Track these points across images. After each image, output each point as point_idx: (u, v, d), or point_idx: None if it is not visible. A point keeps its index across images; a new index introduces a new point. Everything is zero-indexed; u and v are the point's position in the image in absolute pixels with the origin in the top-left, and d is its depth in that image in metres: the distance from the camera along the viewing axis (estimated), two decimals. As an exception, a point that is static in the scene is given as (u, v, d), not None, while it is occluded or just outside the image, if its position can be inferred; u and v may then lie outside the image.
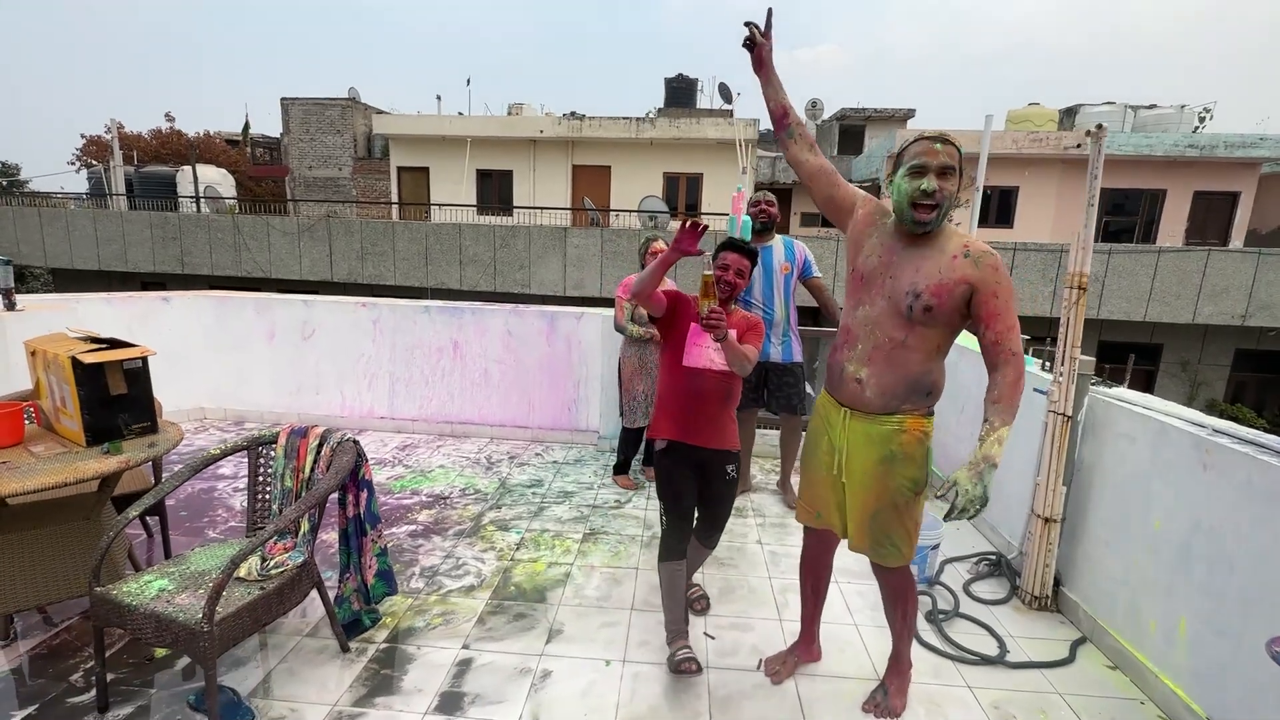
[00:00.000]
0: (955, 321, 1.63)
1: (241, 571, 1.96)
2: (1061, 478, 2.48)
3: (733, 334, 1.99)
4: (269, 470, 2.30)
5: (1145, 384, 11.73)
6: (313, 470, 2.22)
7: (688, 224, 1.83)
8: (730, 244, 2.20)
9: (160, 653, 2.14)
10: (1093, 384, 2.51)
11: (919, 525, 1.80)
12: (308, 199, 18.87)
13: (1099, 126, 2.25)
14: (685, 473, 2.16)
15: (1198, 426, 2.04)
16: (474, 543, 3.01)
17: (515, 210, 14.79)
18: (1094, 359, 2.48)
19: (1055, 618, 2.53)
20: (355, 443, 2.25)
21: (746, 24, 1.81)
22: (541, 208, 13.84)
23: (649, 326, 3.42)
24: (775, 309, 3.29)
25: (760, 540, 3.14)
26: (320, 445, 2.25)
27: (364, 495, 2.30)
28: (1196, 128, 14.31)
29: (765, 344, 3.22)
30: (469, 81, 35.95)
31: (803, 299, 3.61)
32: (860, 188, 1.99)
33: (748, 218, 3.32)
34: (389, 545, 2.95)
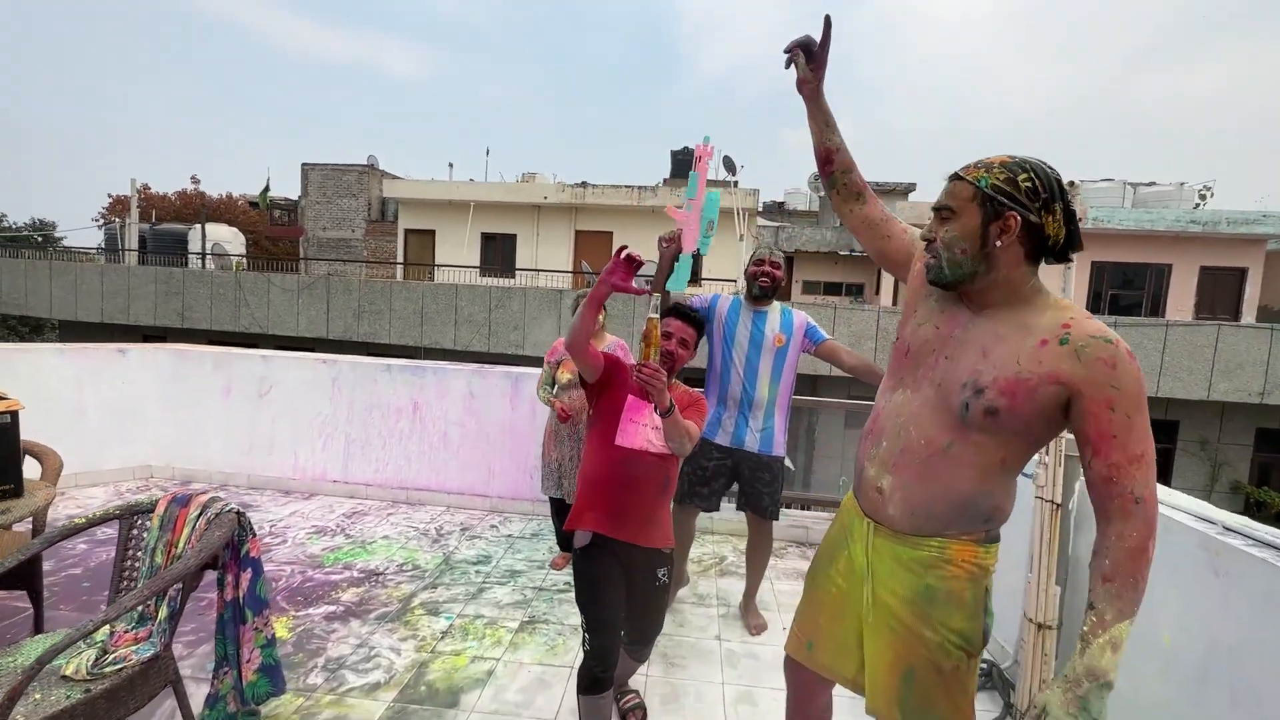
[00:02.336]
0: (1037, 431, 1.15)
1: (69, 669, 1.66)
2: (1054, 576, 2.15)
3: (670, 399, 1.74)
4: (141, 544, 2.03)
5: (1163, 463, 11.19)
6: (186, 545, 1.95)
7: (621, 254, 1.53)
8: (675, 310, 1.98)
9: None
10: (1085, 466, 2.21)
11: (973, 706, 1.28)
12: (319, 258, 19.27)
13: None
14: (610, 575, 1.83)
15: (1205, 523, 1.74)
16: (395, 629, 2.67)
17: (517, 272, 14.92)
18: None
19: (1056, 746, 2.13)
20: (239, 514, 1.98)
21: (788, 49, 1.39)
22: (540, 270, 13.95)
23: (568, 390, 3.16)
24: (758, 387, 2.65)
25: (720, 635, 2.77)
26: (201, 516, 1.99)
27: (247, 576, 2.01)
28: (1197, 205, 14.35)
29: (740, 428, 2.68)
30: (488, 152, 37.38)
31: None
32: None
33: (704, 241, 2.06)
34: (300, 630, 2.63)
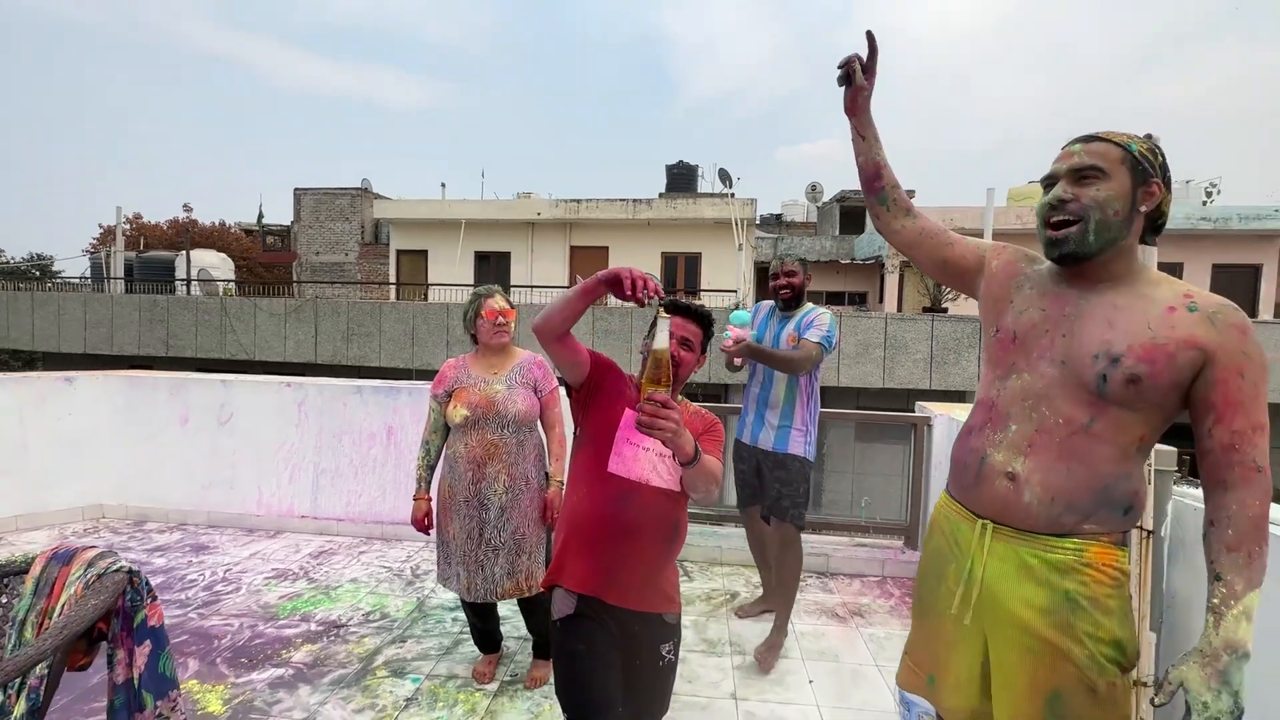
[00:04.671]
0: (1170, 404, 1.09)
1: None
2: (1148, 620, 1.74)
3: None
4: (9, 614, 1.63)
5: (1195, 469, 10.73)
6: (60, 616, 1.55)
7: (640, 273, 1.29)
8: (675, 306, 1.57)
9: None
10: (1176, 481, 1.82)
11: None
12: (313, 281, 19.00)
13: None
14: (600, 653, 1.40)
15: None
16: (351, 696, 2.26)
17: (512, 290, 14.61)
18: (1175, 448, 1.81)
19: (1162, 836, 1.71)
20: (131, 574, 1.59)
21: (842, 65, 1.34)
22: (535, 287, 13.62)
23: (466, 433, 2.22)
24: (774, 387, 2.69)
25: (735, 694, 2.35)
26: (82, 577, 1.59)
27: (144, 650, 1.61)
28: (1204, 202, 14.05)
29: (756, 427, 2.74)
30: (484, 174, 37.49)
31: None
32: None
33: (740, 311, 2.79)
34: (237, 701, 2.22)
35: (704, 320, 1.58)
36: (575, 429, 1.57)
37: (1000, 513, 1.16)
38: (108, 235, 24.08)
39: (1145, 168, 1.11)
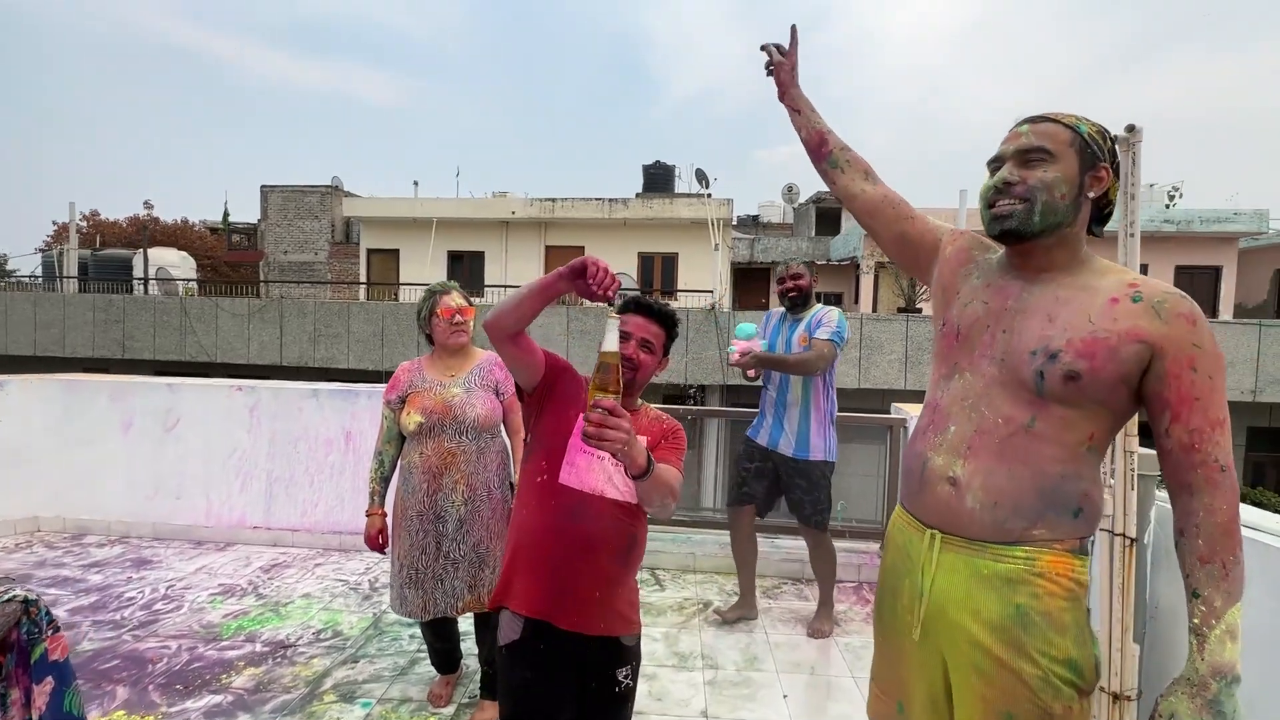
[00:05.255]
0: (1119, 401, 1.01)
1: None
2: (1131, 632, 1.67)
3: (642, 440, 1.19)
4: (-115, 651, 1.45)
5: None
6: (-58, 654, 1.38)
7: (601, 265, 1.22)
8: (638, 305, 1.46)
9: None
10: (1158, 486, 1.75)
11: None
12: (280, 281, 18.50)
13: (1130, 128, 1.63)
14: (549, 682, 1.30)
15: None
16: (295, 725, 2.10)
17: (486, 290, 14.37)
18: (1155, 451, 1.74)
19: None
20: (26, 604, 1.42)
21: (763, 47, 1.45)
22: (509, 287, 13.41)
23: (422, 442, 2.08)
24: (790, 389, 2.77)
25: (706, 710, 2.24)
26: (-30, 609, 1.41)
27: (46, 688, 1.44)
28: (1167, 205, 14.41)
29: (775, 431, 2.80)
30: (458, 173, 36.93)
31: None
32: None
33: (745, 324, 2.92)
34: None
35: (666, 321, 1.46)
36: (526, 435, 1.45)
37: (946, 520, 1.08)
38: (62, 232, 23.18)
39: (1094, 151, 1.06)
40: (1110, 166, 1.07)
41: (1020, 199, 1.05)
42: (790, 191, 22.04)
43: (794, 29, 1.44)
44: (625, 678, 1.35)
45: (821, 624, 2.80)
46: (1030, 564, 1.02)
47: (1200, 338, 0.96)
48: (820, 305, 2.82)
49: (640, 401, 1.50)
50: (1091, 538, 1.08)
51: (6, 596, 1.39)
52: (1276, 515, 1.68)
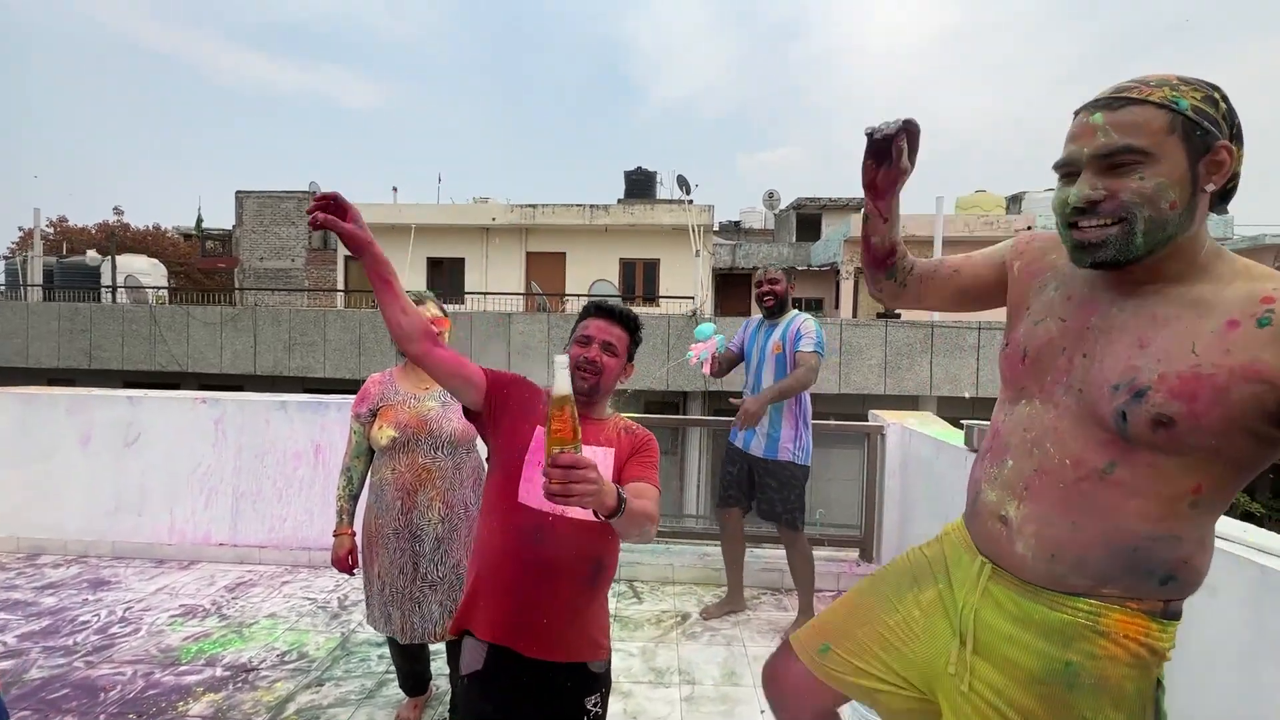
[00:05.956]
0: (1238, 449, 0.80)
1: None
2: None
3: (605, 456, 1.19)
4: None
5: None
6: None
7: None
8: (598, 309, 1.42)
9: None
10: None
11: None
12: (255, 288, 18.19)
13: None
14: (517, 712, 1.26)
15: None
16: (254, 755, 2.01)
17: (467, 297, 14.25)
18: None
19: None
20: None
21: (878, 135, 1.00)
22: (489, 293, 13.31)
23: (394, 456, 1.99)
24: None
25: (682, 729, 2.19)
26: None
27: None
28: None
29: (749, 433, 2.83)
30: (440, 179, 36.66)
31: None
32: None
33: (706, 324, 2.99)
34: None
35: (628, 323, 1.41)
36: (487, 454, 1.40)
37: (997, 555, 0.96)
38: (27, 239, 22.57)
39: (1206, 128, 0.80)
40: (1230, 135, 0.82)
41: (1114, 218, 0.82)
42: (771, 197, 22.20)
43: (914, 124, 1.01)
44: (594, 706, 1.30)
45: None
46: (1094, 619, 0.86)
47: None
48: (795, 311, 2.86)
49: (610, 410, 1.45)
50: (1184, 600, 0.88)
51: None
52: (1243, 525, 1.68)
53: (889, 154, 1.01)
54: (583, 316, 1.41)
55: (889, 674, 1.07)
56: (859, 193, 1.12)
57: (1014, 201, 16.15)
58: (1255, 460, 0.82)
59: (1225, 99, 0.83)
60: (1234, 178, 0.85)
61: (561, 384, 0.99)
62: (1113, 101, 0.82)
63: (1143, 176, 0.80)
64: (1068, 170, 0.87)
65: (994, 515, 0.95)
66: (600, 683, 1.32)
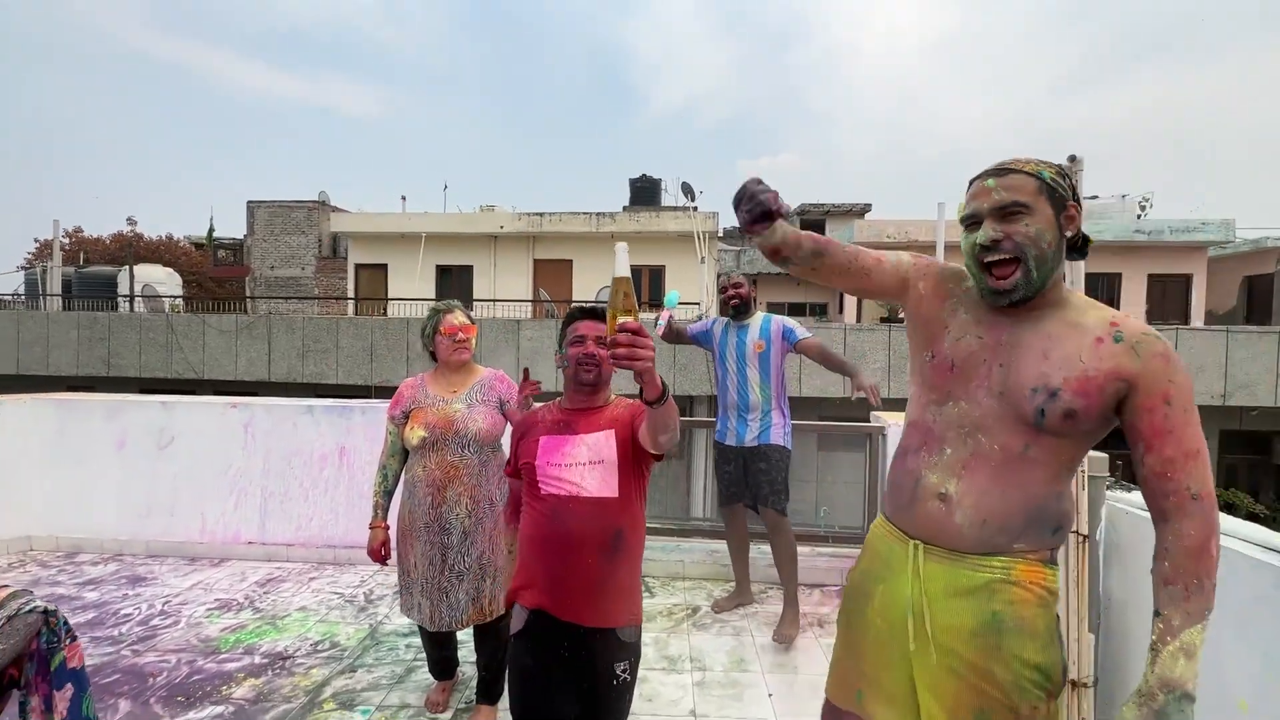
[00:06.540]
0: (1100, 430, 1.11)
1: None
2: (1086, 622, 1.79)
3: (608, 438, 1.39)
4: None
5: (1133, 472, 11.21)
6: (-34, 663, 1.45)
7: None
8: (582, 310, 1.63)
9: None
10: (1110, 487, 1.89)
11: None
12: (266, 296, 18.44)
13: (1071, 158, 1.78)
14: (549, 669, 1.44)
15: (1279, 555, 1.41)
16: (296, 733, 2.16)
17: (475, 304, 14.43)
18: (1105, 455, 1.88)
19: (1105, 834, 1.76)
20: (46, 614, 1.50)
21: (757, 198, 1.18)
22: (498, 300, 13.49)
23: (425, 455, 2.17)
24: (750, 392, 2.97)
25: (695, 710, 2.33)
26: (-8, 620, 1.49)
27: (65, 695, 1.52)
28: (1138, 215, 14.83)
29: (741, 429, 2.98)
30: (445, 187, 36.97)
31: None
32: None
33: (673, 292, 3.20)
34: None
35: None
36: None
37: (931, 533, 1.16)
38: (45, 250, 22.94)
39: (1061, 193, 1.11)
40: (1075, 201, 1.13)
41: (1011, 254, 1.09)
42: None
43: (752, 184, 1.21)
44: (623, 672, 1.46)
45: (788, 629, 2.80)
46: (1007, 572, 1.09)
47: (1174, 374, 1.03)
48: (760, 312, 3.06)
49: (612, 395, 1.63)
50: (1059, 548, 1.16)
51: (28, 608, 1.47)
52: (1251, 525, 1.81)
53: (768, 213, 1.20)
54: (569, 321, 1.61)
55: (899, 688, 1.19)
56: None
57: (1017, 206, 16.25)
58: (1099, 435, 1.12)
59: (1069, 175, 1.14)
60: (1080, 234, 1.16)
61: (621, 266, 1.16)
62: (1000, 171, 1.13)
63: (1027, 223, 1.09)
64: (972, 221, 1.15)
65: (934, 494, 1.15)
66: (629, 651, 1.48)
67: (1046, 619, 1.10)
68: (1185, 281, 13.27)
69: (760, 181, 1.19)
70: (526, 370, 2.13)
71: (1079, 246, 1.18)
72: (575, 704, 1.45)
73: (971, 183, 1.16)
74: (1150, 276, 13.23)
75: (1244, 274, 14.65)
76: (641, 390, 1.22)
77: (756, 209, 1.18)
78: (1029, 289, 1.10)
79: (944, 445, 1.16)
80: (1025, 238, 1.08)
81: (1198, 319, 13.13)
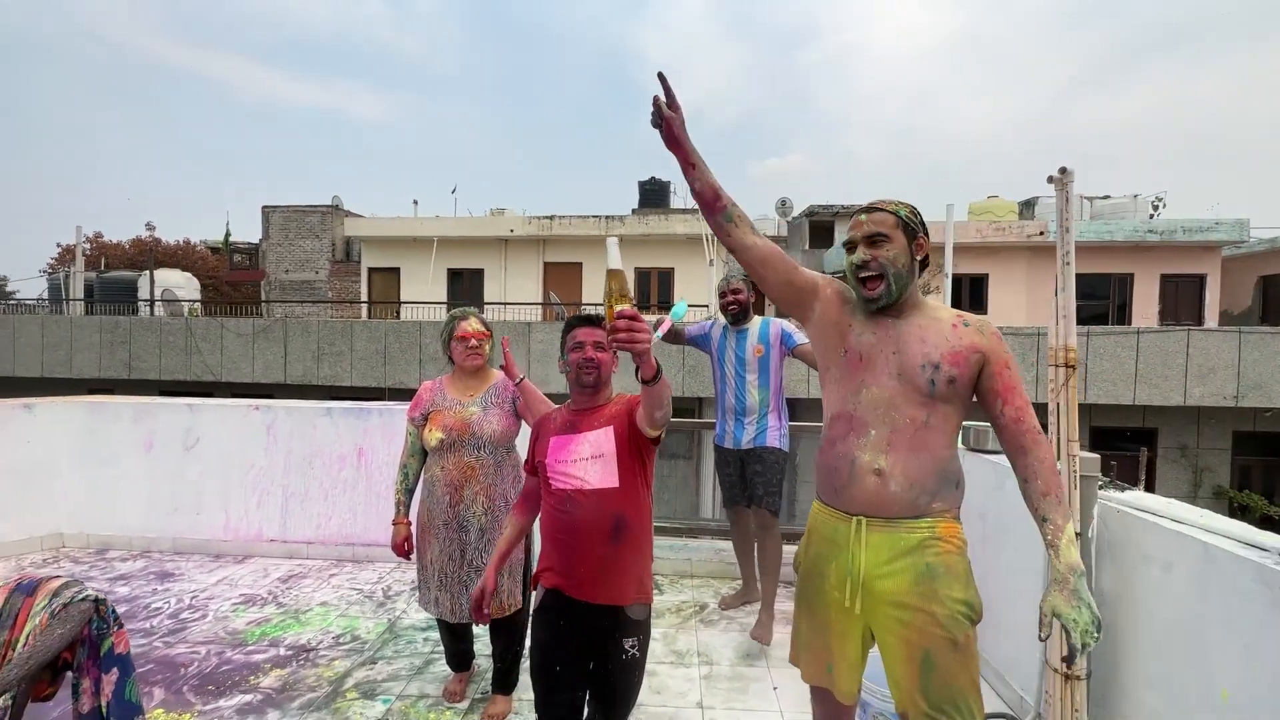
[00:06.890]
0: (969, 397, 1.43)
1: None
2: (1079, 617, 1.85)
3: (606, 435, 1.53)
4: (-29, 647, 1.63)
5: (1146, 471, 11.14)
6: (24, 646, 1.56)
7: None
8: (578, 319, 1.73)
9: None
10: (1101, 486, 1.95)
11: (979, 673, 1.40)
12: (282, 300, 18.71)
13: (1062, 170, 1.85)
14: (563, 642, 1.58)
15: (1259, 550, 1.47)
16: (321, 719, 2.27)
17: (486, 307, 14.59)
18: (1098, 456, 1.95)
19: (1098, 821, 1.82)
20: (97, 602, 1.61)
21: (656, 101, 1.39)
22: (509, 303, 13.64)
23: (443, 456, 2.28)
24: (748, 395, 2.95)
25: (702, 702, 2.42)
26: (47, 607, 1.60)
27: (112, 678, 1.63)
28: (1151, 215, 14.71)
29: (738, 432, 2.97)
30: (454, 190, 37.27)
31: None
32: (831, 278, 1.55)
33: (681, 301, 3.08)
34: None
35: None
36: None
37: (870, 506, 1.39)
38: (66, 255, 23.41)
39: (913, 227, 1.43)
40: (924, 233, 1.45)
41: (878, 271, 1.42)
42: (784, 205, 22.34)
43: (661, 75, 1.38)
44: (632, 648, 1.57)
45: (762, 630, 2.82)
46: (932, 530, 1.37)
47: (1005, 348, 1.41)
48: (758, 316, 3.00)
49: (613, 393, 1.75)
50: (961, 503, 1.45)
51: (80, 596, 1.59)
52: (1200, 510, 1.87)
53: (661, 116, 1.40)
54: (568, 329, 1.72)
55: (856, 658, 1.45)
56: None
57: (1026, 206, 16.12)
58: (969, 402, 1.41)
59: (918, 213, 1.47)
60: (927, 257, 1.47)
61: (614, 259, 1.34)
62: (870, 209, 1.46)
63: (888, 249, 1.42)
64: (850, 246, 1.47)
65: (870, 471, 1.39)
66: (638, 628, 1.59)
67: (964, 564, 1.39)
68: (1199, 282, 13.14)
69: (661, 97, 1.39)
70: (505, 340, 2.36)
71: (924, 266, 1.49)
72: (588, 675, 1.58)
73: (854, 216, 1.47)
74: (1163, 277, 13.10)
75: (1259, 274, 14.50)
76: (638, 369, 1.36)
77: (654, 115, 1.39)
78: (890, 297, 1.43)
79: (869, 427, 1.41)
80: (887, 259, 1.41)
81: (1212, 320, 13.00)
